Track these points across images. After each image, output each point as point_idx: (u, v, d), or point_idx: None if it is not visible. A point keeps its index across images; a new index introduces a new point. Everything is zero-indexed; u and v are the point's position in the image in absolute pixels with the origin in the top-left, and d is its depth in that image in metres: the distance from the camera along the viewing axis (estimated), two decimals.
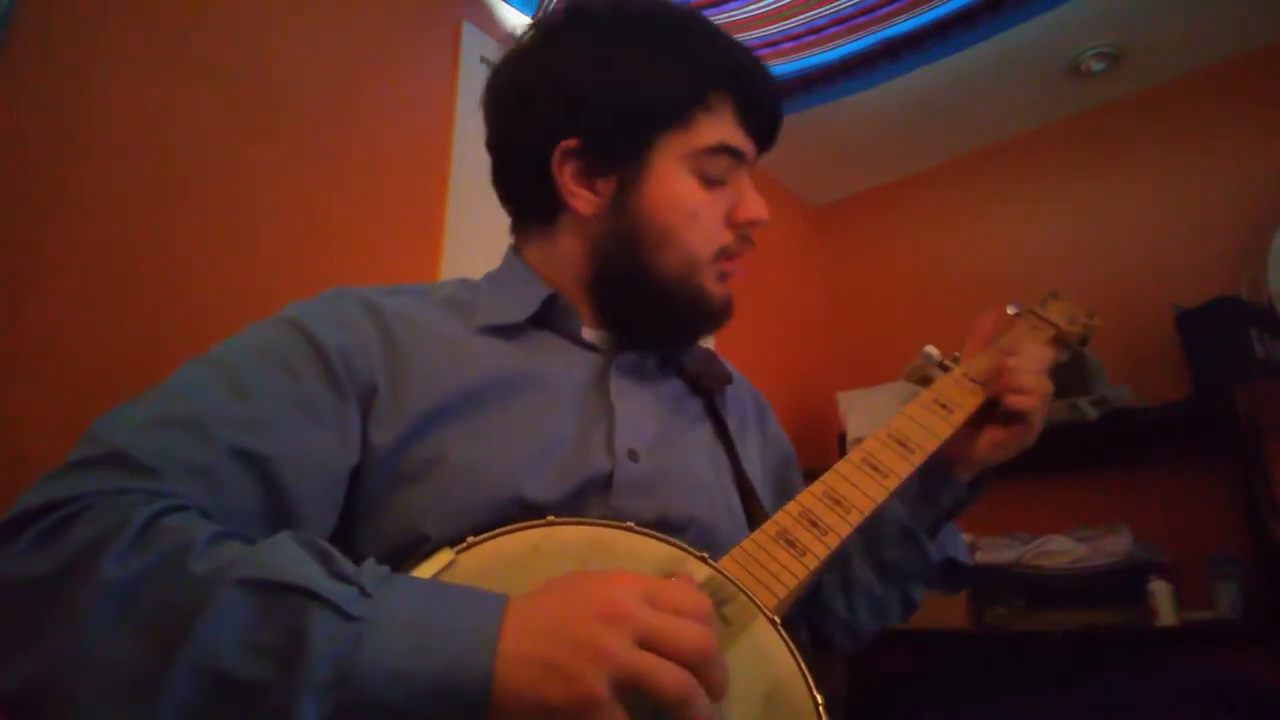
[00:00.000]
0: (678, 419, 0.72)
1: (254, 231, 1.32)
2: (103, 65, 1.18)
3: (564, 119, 0.68)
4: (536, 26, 0.74)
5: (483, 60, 1.78)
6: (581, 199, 0.68)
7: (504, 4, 1.88)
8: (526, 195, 0.74)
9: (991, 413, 0.78)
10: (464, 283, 0.76)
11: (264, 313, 0.64)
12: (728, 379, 0.80)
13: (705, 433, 0.74)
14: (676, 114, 0.67)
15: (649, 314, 0.70)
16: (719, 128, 0.68)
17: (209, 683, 0.37)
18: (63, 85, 1.14)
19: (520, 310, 0.69)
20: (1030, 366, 0.78)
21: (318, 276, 1.38)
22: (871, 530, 0.78)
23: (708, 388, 0.77)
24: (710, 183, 0.68)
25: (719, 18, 1.89)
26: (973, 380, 0.79)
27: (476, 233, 1.64)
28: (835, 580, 0.80)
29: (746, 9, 1.89)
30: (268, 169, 1.36)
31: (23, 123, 1.09)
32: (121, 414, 0.51)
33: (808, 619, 0.78)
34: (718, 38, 0.70)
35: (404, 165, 1.58)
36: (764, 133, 0.72)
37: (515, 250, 0.77)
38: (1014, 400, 0.76)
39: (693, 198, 0.67)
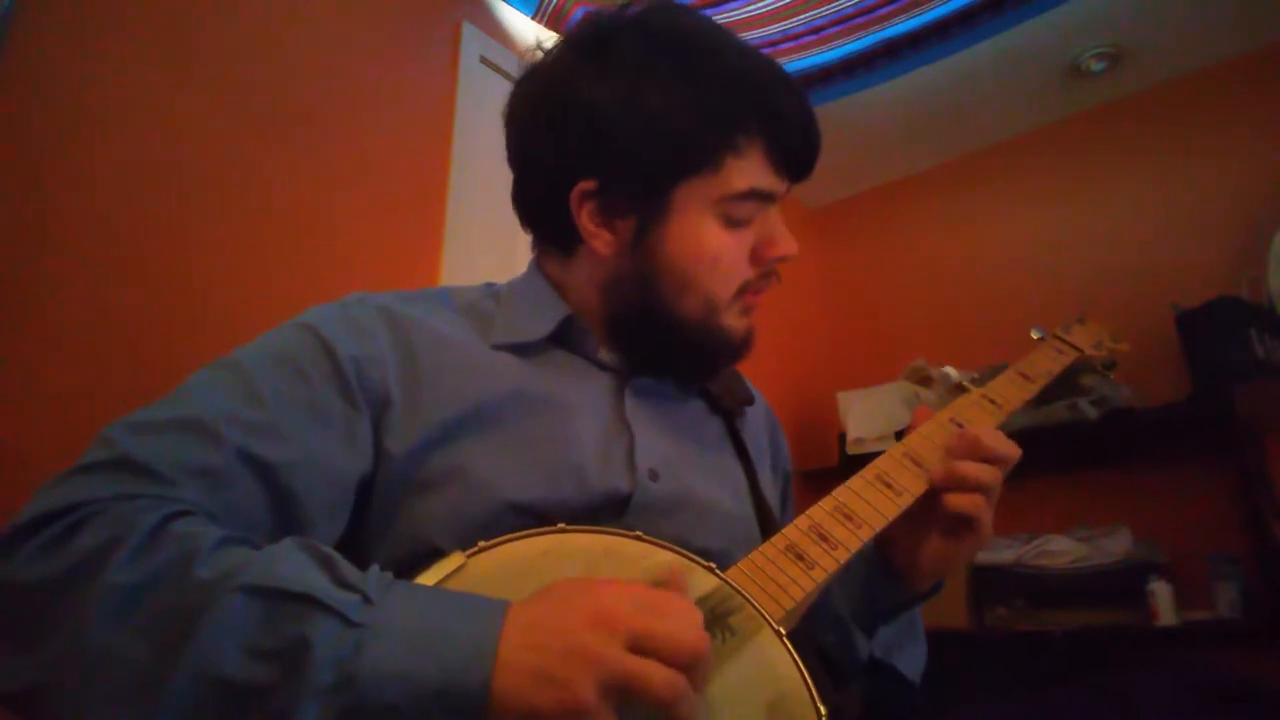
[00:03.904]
0: (697, 441, 0.71)
1: (254, 230, 1.32)
2: (103, 65, 1.18)
3: (584, 158, 0.64)
4: (565, 42, 0.70)
5: (483, 60, 1.78)
6: (600, 239, 0.66)
7: (504, 4, 1.88)
8: (544, 223, 0.72)
9: (934, 512, 0.66)
10: (488, 289, 0.74)
11: (264, 311, 0.64)
12: (749, 400, 0.79)
13: (726, 456, 0.73)
14: (703, 159, 0.63)
15: (666, 352, 0.68)
16: (748, 171, 0.64)
17: (211, 687, 0.38)
18: (63, 85, 1.14)
19: (537, 329, 0.68)
20: (979, 450, 0.65)
21: (318, 275, 1.38)
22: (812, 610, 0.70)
23: (728, 409, 0.76)
24: (735, 224, 0.65)
25: (719, 18, 1.89)
26: (992, 402, 0.77)
27: (476, 233, 1.64)
28: None
29: (747, 9, 1.90)
30: (268, 169, 1.36)
31: (23, 122, 1.09)
32: (134, 418, 0.52)
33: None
34: (751, 70, 0.65)
35: (404, 165, 1.58)
36: (798, 169, 0.68)
37: (537, 264, 0.75)
38: (954, 501, 0.64)
39: (716, 242, 0.64)
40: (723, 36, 0.67)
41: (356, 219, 1.47)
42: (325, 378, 0.57)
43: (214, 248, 1.26)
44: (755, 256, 0.67)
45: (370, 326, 0.62)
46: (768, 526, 0.69)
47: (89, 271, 1.12)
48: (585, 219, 0.65)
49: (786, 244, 0.67)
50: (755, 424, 0.81)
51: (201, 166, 1.27)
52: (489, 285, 0.76)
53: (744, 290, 0.67)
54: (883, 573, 0.70)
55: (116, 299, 1.14)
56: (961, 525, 0.65)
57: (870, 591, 0.70)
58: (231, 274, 1.27)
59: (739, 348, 0.69)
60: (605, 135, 0.63)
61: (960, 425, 0.72)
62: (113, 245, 1.15)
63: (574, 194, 0.65)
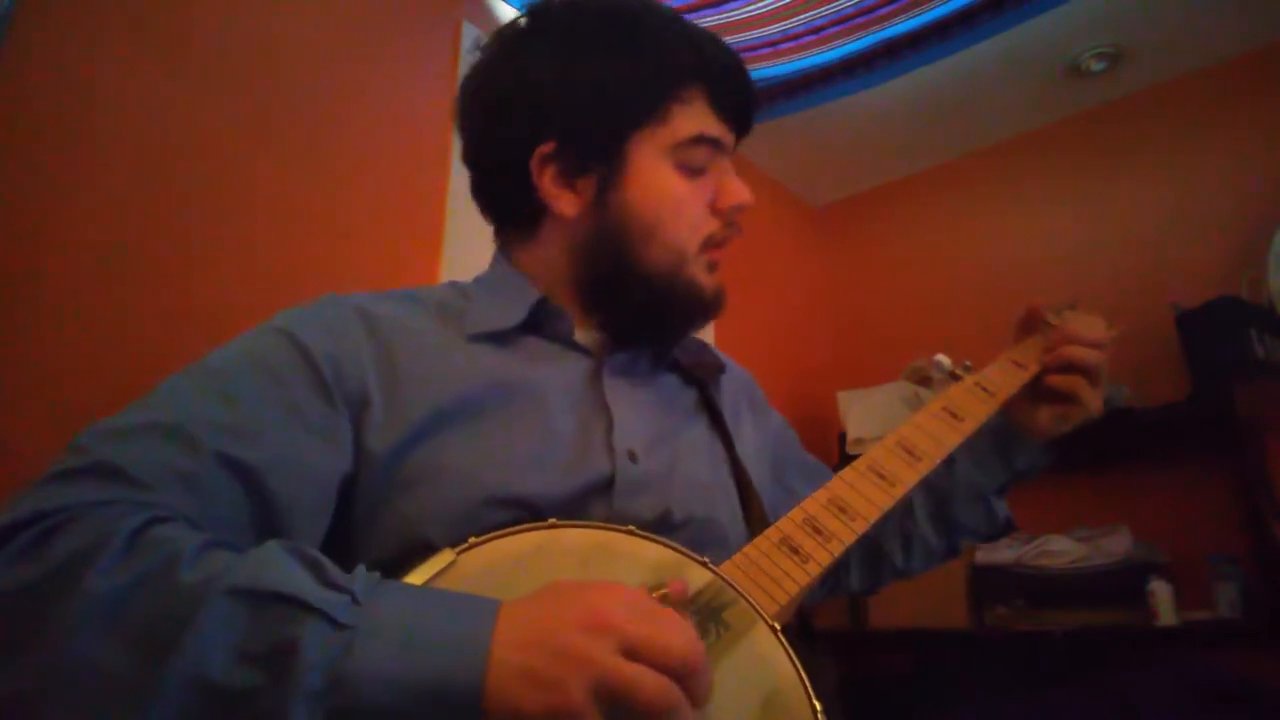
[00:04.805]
0: (673, 415, 0.72)
1: (254, 231, 1.32)
2: (102, 65, 1.18)
3: (538, 124, 0.67)
4: (499, 35, 0.73)
5: None
6: (564, 201, 0.68)
7: (504, 4, 1.88)
8: (507, 204, 0.74)
9: (1043, 386, 0.82)
10: (454, 286, 0.75)
11: (264, 310, 0.64)
12: (720, 368, 0.81)
13: (701, 426, 0.74)
14: (651, 109, 0.66)
15: (640, 310, 0.69)
16: (695, 118, 0.67)
17: (198, 692, 0.37)
18: (63, 85, 1.14)
19: (510, 316, 0.68)
20: (1079, 339, 0.81)
21: (318, 275, 1.38)
22: (941, 490, 0.84)
23: (701, 378, 0.77)
24: (691, 173, 0.68)
25: (719, 18, 1.89)
26: (985, 390, 0.78)
27: (476, 233, 1.62)
28: (897, 535, 0.87)
29: (746, 9, 1.89)
30: (268, 168, 1.36)
31: (23, 122, 1.09)
32: (105, 424, 0.51)
33: (864, 568, 0.88)
34: (684, 29, 0.69)
35: (404, 165, 1.58)
36: (740, 119, 0.72)
37: (503, 254, 0.77)
38: (1055, 380, 0.80)
39: (675, 189, 0.67)
40: (651, 6, 0.71)
41: (356, 219, 1.47)
42: (301, 378, 0.57)
43: (214, 247, 1.26)
44: (714, 208, 0.69)
45: (345, 326, 0.62)
46: (745, 491, 0.71)
47: (89, 271, 1.12)
48: (548, 183, 0.67)
49: (742, 193, 0.69)
50: (730, 391, 0.82)
51: (201, 166, 1.27)
52: (454, 283, 0.76)
53: (708, 243, 0.69)
54: (1016, 437, 0.84)
55: (117, 298, 1.14)
56: (1066, 399, 0.80)
57: (1008, 459, 0.84)
58: (231, 273, 1.27)
59: (710, 304, 0.71)
60: (555, 101, 0.66)
61: (954, 415, 0.74)
62: (113, 244, 1.15)
63: (534, 161, 0.67)
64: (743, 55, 0.72)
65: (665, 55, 0.67)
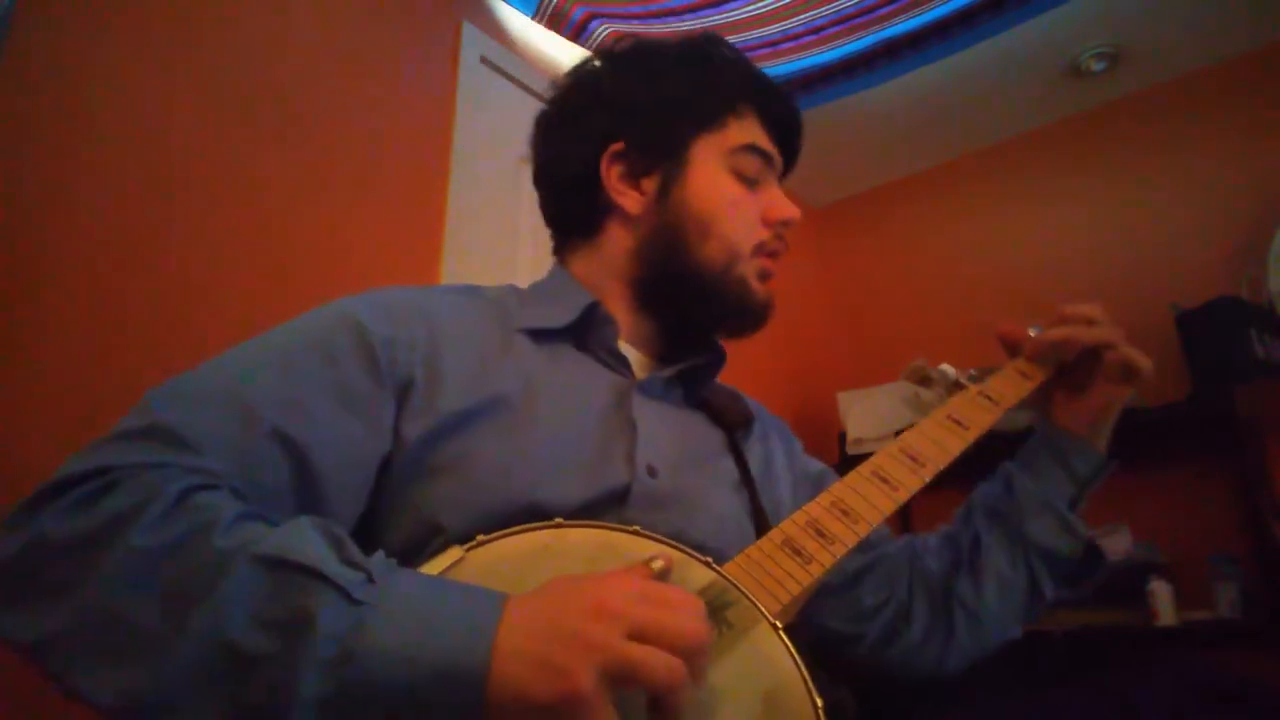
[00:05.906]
0: (699, 446, 0.73)
1: (253, 231, 1.32)
2: (103, 65, 1.18)
3: (611, 126, 0.75)
4: (575, 70, 0.82)
5: (483, 60, 1.78)
6: (629, 198, 0.74)
7: (504, 4, 1.88)
8: (574, 208, 0.79)
9: (1058, 388, 0.81)
10: (513, 288, 0.79)
11: (264, 310, 0.65)
12: (750, 418, 0.81)
13: (727, 465, 0.75)
14: (711, 117, 0.75)
15: (695, 306, 0.74)
16: (748, 130, 0.76)
17: (216, 650, 0.39)
18: (63, 85, 1.14)
19: (562, 316, 0.71)
20: (1074, 316, 0.79)
21: (318, 275, 1.38)
22: (1006, 512, 0.78)
23: (729, 423, 0.78)
24: (744, 180, 0.75)
25: (719, 18, 1.90)
26: (989, 398, 0.78)
27: (476, 233, 1.64)
28: (966, 567, 0.78)
29: (746, 9, 1.89)
30: (267, 169, 1.36)
31: (23, 122, 1.09)
32: (172, 386, 0.54)
33: (930, 599, 0.79)
34: (743, 60, 0.80)
35: (404, 165, 1.58)
36: (787, 146, 0.81)
37: (560, 265, 0.81)
38: (1116, 356, 0.76)
39: (730, 189, 0.74)
40: (715, 39, 0.81)
41: (356, 219, 1.47)
42: (354, 359, 0.60)
43: (214, 247, 1.26)
44: (765, 220, 0.76)
45: (405, 313, 0.65)
46: (763, 534, 0.69)
47: (89, 271, 1.12)
48: (615, 180, 0.75)
49: (790, 209, 0.77)
50: (762, 434, 0.83)
51: (201, 166, 1.27)
52: (513, 286, 0.81)
53: (760, 249, 0.75)
54: (1070, 443, 0.80)
55: (116, 299, 1.14)
56: (1124, 374, 0.78)
57: (1068, 465, 0.80)
58: (231, 273, 1.27)
59: (760, 310, 0.76)
60: (627, 104, 0.75)
61: (959, 422, 0.74)
62: (112, 244, 1.15)
63: (605, 159, 0.75)
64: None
65: (726, 77, 0.77)
